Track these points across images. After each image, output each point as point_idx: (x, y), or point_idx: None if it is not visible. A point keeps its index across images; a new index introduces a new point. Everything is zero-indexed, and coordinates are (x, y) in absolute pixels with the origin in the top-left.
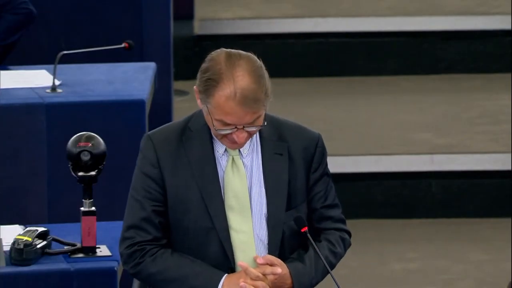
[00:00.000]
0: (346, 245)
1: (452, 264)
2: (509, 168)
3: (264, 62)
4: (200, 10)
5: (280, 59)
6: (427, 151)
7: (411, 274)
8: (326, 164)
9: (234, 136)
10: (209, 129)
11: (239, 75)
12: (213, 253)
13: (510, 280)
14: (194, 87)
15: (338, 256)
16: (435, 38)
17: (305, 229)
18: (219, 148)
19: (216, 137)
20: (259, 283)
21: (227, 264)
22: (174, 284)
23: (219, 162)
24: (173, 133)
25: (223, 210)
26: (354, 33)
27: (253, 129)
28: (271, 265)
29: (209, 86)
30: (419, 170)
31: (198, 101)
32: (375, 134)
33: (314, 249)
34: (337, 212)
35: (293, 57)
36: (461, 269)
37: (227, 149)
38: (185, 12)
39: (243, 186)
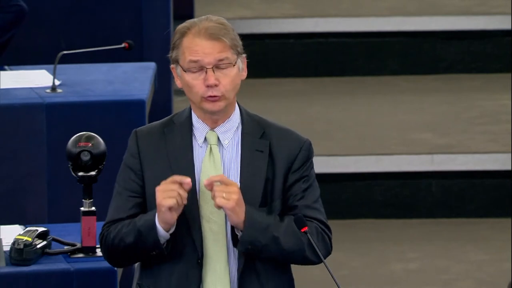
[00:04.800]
0: (320, 237)
1: (452, 264)
2: (509, 168)
3: (264, 62)
4: (200, 10)
5: (280, 59)
6: (427, 151)
7: (411, 274)
8: (310, 170)
9: (205, 79)
10: (191, 121)
11: (204, 22)
12: (181, 244)
13: (510, 280)
14: (171, 66)
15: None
16: (435, 38)
17: (305, 229)
18: (199, 138)
19: (196, 100)
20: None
21: (196, 255)
22: (127, 237)
23: (197, 152)
24: (157, 127)
25: (196, 200)
26: (354, 33)
27: (222, 71)
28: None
29: (178, 38)
30: (419, 170)
31: (177, 81)
32: (375, 134)
33: (315, 249)
34: (317, 215)
35: (293, 57)
36: (461, 269)
37: (206, 137)
38: (185, 12)
39: None
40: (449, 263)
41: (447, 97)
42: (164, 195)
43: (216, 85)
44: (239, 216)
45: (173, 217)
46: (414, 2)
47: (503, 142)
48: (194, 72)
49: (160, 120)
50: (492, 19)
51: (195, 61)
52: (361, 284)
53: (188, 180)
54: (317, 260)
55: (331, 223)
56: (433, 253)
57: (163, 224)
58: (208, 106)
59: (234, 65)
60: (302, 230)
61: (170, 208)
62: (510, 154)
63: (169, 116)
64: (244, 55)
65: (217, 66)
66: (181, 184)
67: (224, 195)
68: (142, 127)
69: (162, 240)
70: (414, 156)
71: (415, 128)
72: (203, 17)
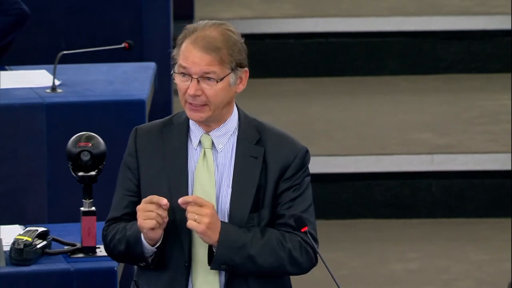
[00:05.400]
0: (304, 251)
1: (452, 264)
2: (509, 168)
3: (264, 62)
4: (200, 10)
5: (280, 59)
6: (427, 151)
7: (411, 274)
8: (302, 178)
9: (189, 87)
10: (188, 123)
11: (208, 29)
12: (170, 246)
13: (510, 280)
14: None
15: (287, 251)
16: (435, 38)
17: (305, 229)
18: (194, 141)
19: (182, 102)
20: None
21: (182, 258)
22: (120, 245)
23: (192, 155)
24: (156, 126)
25: None
26: (354, 33)
27: (208, 83)
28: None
29: (181, 38)
30: (419, 170)
31: (175, 79)
32: (375, 134)
33: (297, 262)
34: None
35: (293, 57)
36: (461, 269)
37: (201, 141)
38: (185, 12)
39: (211, 180)
40: (449, 263)
41: (447, 97)
42: (143, 216)
43: (198, 96)
44: (212, 238)
45: (156, 234)
46: (414, 2)
47: (503, 142)
48: (182, 76)
49: (162, 119)
50: (492, 19)
51: (183, 67)
52: (361, 284)
53: (164, 201)
54: (300, 273)
55: (331, 223)
56: (433, 253)
57: (148, 241)
58: (189, 113)
59: (220, 81)
60: (302, 230)
61: (152, 228)
62: (510, 154)
63: (170, 116)
64: (244, 69)
65: (203, 77)
66: (159, 204)
67: (196, 217)
68: (143, 125)
69: (149, 253)
70: (414, 156)
71: (415, 128)
72: (213, 22)
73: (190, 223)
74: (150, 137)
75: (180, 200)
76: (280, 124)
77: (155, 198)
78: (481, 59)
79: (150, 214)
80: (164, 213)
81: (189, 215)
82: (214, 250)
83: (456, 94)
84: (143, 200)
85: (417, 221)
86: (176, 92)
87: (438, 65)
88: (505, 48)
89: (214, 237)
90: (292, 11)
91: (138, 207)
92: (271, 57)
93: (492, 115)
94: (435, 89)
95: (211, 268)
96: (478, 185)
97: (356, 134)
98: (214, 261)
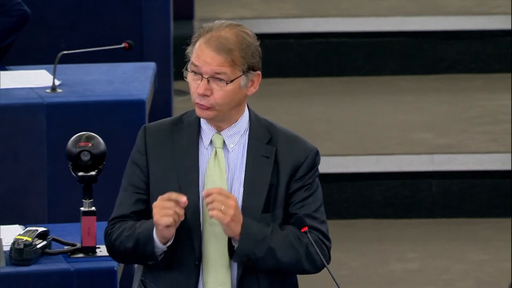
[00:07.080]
0: (319, 247)
1: (452, 264)
2: (509, 168)
3: (264, 62)
4: (200, 10)
5: (280, 59)
6: (427, 151)
7: (411, 274)
8: (314, 178)
9: (197, 85)
10: (199, 122)
11: (223, 30)
12: (181, 245)
13: (510, 280)
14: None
15: (304, 245)
16: (435, 38)
17: (305, 229)
18: (206, 140)
19: (192, 100)
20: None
21: (193, 257)
22: (127, 242)
23: (203, 154)
24: (166, 124)
25: (197, 201)
26: (354, 33)
27: (218, 84)
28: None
29: (196, 37)
30: (419, 170)
31: (187, 76)
32: (375, 134)
33: (312, 260)
34: (317, 224)
35: (293, 57)
36: (461, 269)
37: (212, 140)
38: (185, 12)
39: (222, 180)
40: (449, 263)
41: (447, 97)
42: (161, 212)
43: (206, 95)
44: (234, 231)
45: (170, 232)
46: (414, 2)
47: (503, 142)
48: (194, 74)
49: (171, 117)
50: (492, 19)
51: (195, 66)
52: (361, 284)
53: (184, 199)
54: (314, 270)
55: (331, 223)
56: (433, 253)
57: (161, 239)
58: (198, 111)
59: (230, 82)
60: (302, 230)
61: (168, 226)
62: (510, 154)
63: (180, 114)
64: (257, 72)
65: (213, 77)
66: (177, 201)
67: (222, 208)
68: (152, 123)
69: (159, 252)
70: (414, 156)
71: (415, 128)
72: (229, 23)
73: (217, 214)
74: (159, 135)
75: (204, 193)
76: (280, 124)
77: (173, 195)
78: (481, 59)
79: (168, 211)
80: (181, 211)
81: (214, 204)
82: (234, 244)
83: (456, 94)
84: (160, 197)
85: (417, 221)
86: (176, 92)
87: (438, 65)
88: (505, 48)
89: (237, 229)
90: (292, 11)
91: (155, 204)
92: (271, 57)
93: (492, 115)
94: (435, 89)
95: (233, 261)
96: (478, 185)
97: (356, 134)
98: (236, 254)
